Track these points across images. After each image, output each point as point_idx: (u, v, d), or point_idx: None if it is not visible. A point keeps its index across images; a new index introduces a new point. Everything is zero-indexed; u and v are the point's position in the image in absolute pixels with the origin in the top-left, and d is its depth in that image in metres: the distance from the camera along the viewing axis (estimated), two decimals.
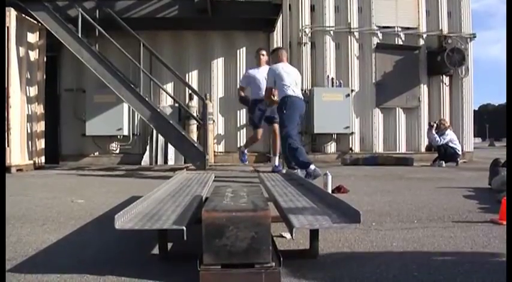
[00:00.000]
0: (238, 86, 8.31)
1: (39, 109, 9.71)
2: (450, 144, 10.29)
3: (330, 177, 4.87)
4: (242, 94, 7.74)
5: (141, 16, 10.14)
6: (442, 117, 11.42)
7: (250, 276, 1.89)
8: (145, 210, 2.34)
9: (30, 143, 9.31)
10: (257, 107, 7.38)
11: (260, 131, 7.60)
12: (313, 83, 11.67)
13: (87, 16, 9.11)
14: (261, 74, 7.32)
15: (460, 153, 10.51)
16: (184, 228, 1.90)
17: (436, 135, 10.28)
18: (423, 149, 11.73)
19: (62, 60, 11.00)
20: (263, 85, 7.03)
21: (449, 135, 10.39)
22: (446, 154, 10.25)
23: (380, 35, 11.85)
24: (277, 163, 7.51)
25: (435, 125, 10.47)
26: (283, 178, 3.85)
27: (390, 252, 2.48)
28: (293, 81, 6.32)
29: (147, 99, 9.09)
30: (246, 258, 1.90)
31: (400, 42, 11.89)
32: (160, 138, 10.67)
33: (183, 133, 9.19)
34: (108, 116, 10.60)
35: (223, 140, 11.60)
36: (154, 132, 10.52)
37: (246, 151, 7.95)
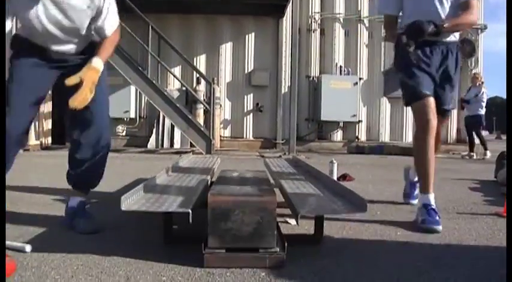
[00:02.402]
0: (383, 16, 3.23)
1: None
2: (482, 103, 9.77)
3: (335, 165, 4.87)
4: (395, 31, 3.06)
5: None
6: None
7: (254, 260, 1.91)
8: (151, 192, 2.35)
9: (37, 123, 9.35)
10: (415, 55, 2.86)
11: (432, 104, 2.89)
12: (321, 70, 11.63)
13: None
14: None
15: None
16: (190, 211, 1.91)
17: (475, 92, 9.65)
18: None
19: None
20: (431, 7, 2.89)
21: (485, 93, 9.82)
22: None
23: None
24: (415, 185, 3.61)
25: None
26: (289, 164, 3.85)
27: (394, 242, 2.49)
28: None
29: (154, 82, 9.08)
30: (251, 243, 1.92)
31: None
32: (167, 122, 10.70)
33: (190, 117, 9.19)
34: (115, 98, 10.50)
35: (230, 125, 11.61)
36: (161, 115, 10.54)
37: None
